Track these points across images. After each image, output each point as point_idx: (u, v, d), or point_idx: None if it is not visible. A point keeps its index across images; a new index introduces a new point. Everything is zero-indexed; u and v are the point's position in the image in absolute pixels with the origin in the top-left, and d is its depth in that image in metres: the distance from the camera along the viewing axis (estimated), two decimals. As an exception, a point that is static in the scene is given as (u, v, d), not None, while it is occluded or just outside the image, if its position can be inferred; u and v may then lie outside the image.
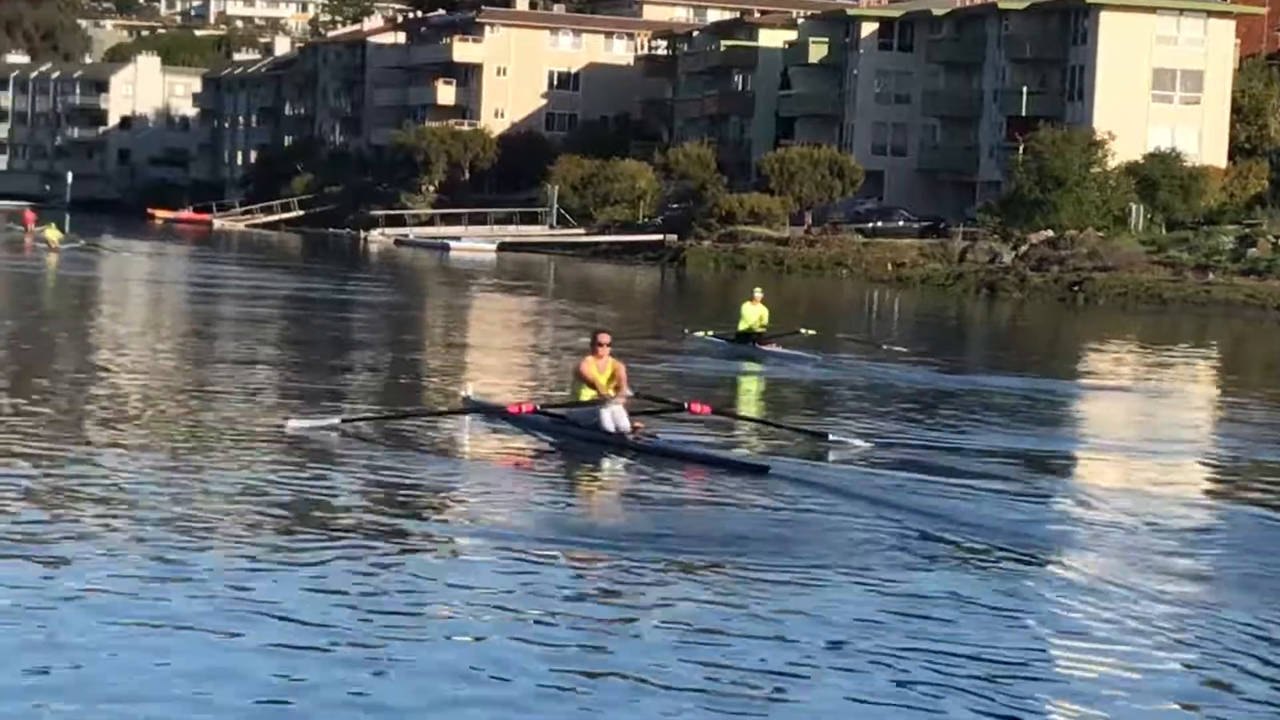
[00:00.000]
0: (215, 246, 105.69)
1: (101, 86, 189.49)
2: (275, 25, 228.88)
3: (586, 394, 22.23)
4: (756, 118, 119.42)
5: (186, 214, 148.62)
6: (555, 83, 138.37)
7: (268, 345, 37.55)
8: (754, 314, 37.87)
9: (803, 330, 39.37)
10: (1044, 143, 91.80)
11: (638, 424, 22.05)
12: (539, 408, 23.22)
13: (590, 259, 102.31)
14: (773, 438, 23.73)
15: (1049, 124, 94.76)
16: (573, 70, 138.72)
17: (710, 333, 39.45)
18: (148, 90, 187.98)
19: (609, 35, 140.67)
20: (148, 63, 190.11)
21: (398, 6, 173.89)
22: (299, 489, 18.23)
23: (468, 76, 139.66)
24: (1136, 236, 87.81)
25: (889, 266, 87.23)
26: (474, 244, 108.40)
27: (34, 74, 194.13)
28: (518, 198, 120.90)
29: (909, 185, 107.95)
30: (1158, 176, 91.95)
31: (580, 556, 15.46)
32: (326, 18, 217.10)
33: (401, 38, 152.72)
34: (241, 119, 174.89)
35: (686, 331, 40.35)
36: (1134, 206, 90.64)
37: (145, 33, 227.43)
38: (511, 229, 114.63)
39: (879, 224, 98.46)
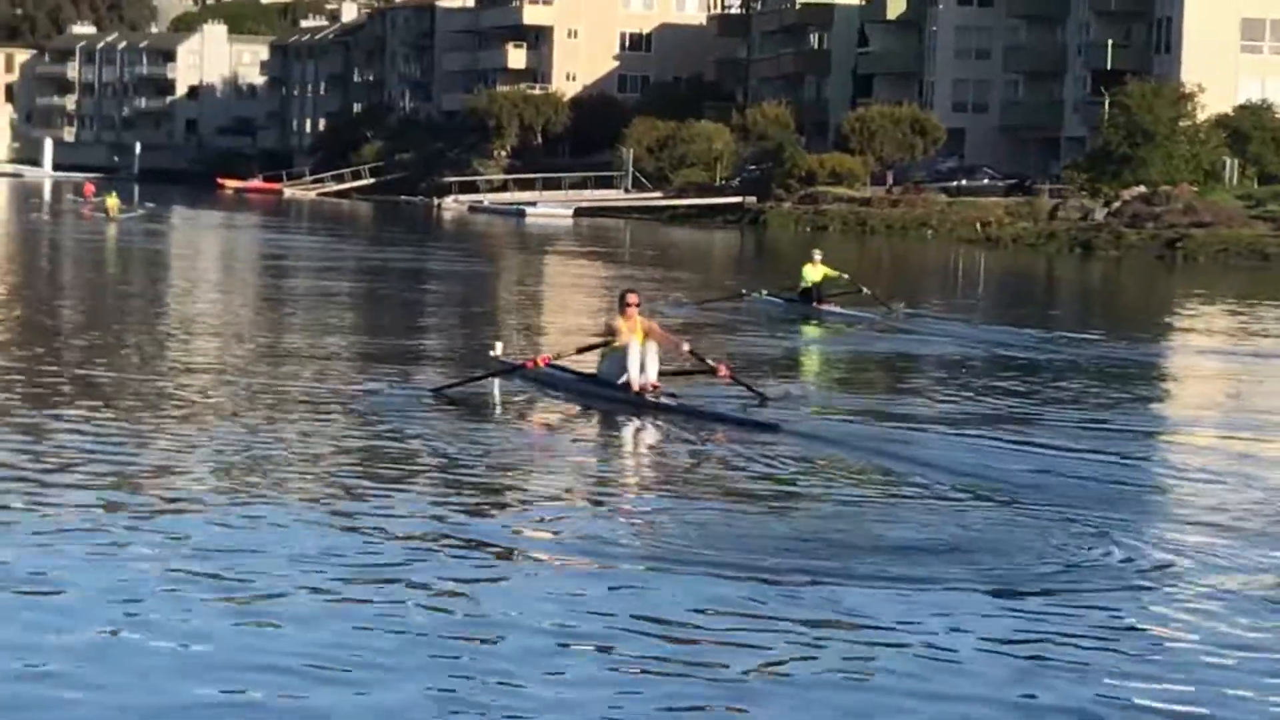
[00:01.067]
0: (287, 216, 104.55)
1: (168, 56, 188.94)
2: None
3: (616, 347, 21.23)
4: (833, 76, 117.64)
5: (256, 183, 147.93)
6: (627, 44, 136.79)
7: (359, 317, 36.07)
8: (813, 275, 36.97)
9: (864, 289, 37.97)
10: (1132, 96, 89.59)
11: (656, 384, 20.81)
12: (552, 360, 22.33)
13: (668, 223, 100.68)
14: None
15: (1136, 78, 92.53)
16: (645, 31, 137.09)
17: (765, 292, 38.42)
18: (215, 59, 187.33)
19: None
20: (214, 31, 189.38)
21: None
22: (370, 457, 17.07)
23: (538, 39, 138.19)
24: (1230, 191, 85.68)
25: (977, 226, 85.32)
26: (550, 209, 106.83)
27: (100, 45, 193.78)
28: (592, 161, 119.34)
29: (991, 143, 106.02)
30: (1249, 129, 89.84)
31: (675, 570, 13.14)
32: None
33: (470, 1, 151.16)
34: (310, 87, 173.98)
35: (744, 292, 38.93)
36: (1228, 160, 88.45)
37: (211, 1, 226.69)
38: (586, 194, 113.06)
39: (963, 182, 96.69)
